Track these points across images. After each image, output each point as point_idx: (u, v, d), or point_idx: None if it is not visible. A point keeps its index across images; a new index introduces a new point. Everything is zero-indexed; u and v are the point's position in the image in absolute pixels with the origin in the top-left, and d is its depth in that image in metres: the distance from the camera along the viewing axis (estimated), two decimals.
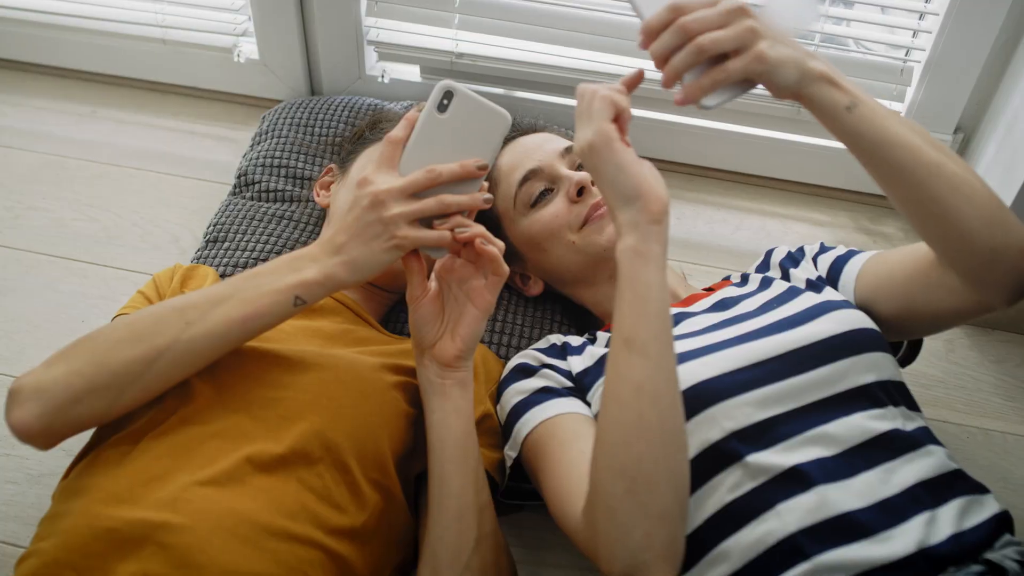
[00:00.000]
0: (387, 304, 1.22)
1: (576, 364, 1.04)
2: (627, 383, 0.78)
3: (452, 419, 0.92)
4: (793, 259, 1.12)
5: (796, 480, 0.83)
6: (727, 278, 1.21)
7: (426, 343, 0.93)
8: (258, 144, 1.50)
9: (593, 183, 1.13)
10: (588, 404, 1.00)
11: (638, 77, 0.87)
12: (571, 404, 0.98)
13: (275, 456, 0.86)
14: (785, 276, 1.10)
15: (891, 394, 0.91)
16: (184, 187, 1.56)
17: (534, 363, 1.06)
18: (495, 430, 1.06)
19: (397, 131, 0.88)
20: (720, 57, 0.79)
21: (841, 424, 0.86)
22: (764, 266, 1.17)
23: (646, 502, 0.76)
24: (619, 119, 0.82)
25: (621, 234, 0.79)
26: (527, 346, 1.22)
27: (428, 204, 0.85)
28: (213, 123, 1.69)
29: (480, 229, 0.88)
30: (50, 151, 1.62)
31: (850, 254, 1.07)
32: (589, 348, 1.05)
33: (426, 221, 0.87)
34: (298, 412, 0.90)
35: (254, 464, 0.85)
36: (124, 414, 0.87)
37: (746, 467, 0.84)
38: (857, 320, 0.94)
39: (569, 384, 1.02)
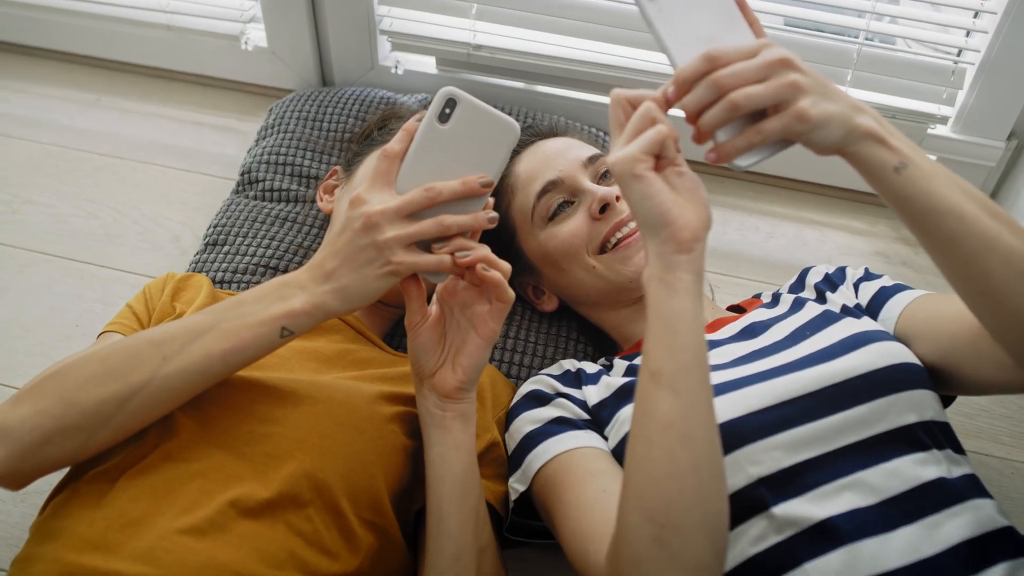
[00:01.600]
0: (391, 319, 1.15)
1: (592, 395, 0.97)
2: (655, 420, 0.71)
3: (452, 455, 0.86)
4: (831, 282, 1.05)
5: (827, 535, 0.76)
6: (757, 296, 1.13)
7: (425, 372, 0.87)
8: (263, 139, 1.43)
9: (619, 198, 1.05)
10: (605, 439, 0.93)
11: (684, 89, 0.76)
12: (588, 437, 0.92)
13: (261, 501, 0.80)
14: (820, 299, 1.03)
15: (935, 436, 0.84)
16: (188, 182, 1.50)
17: (548, 391, 0.99)
18: (501, 460, 1.00)
19: (394, 144, 0.81)
20: (760, 111, 0.71)
21: (880, 471, 0.80)
22: (798, 285, 1.09)
23: (677, 552, 0.69)
24: (660, 158, 0.73)
25: (649, 261, 0.72)
26: (540, 366, 1.15)
27: (426, 226, 0.79)
28: (220, 113, 1.62)
29: (483, 253, 0.81)
30: (52, 141, 1.56)
31: (897, 288, 0.99)
32: (605, 378, 0.98)
33: (425, 243, 0.80)
34: (287, 450, 0.84)
35: (239, 509, 0.79)
36: (100, 452, 0.82)
37: (772, 518, 0.78)
38: (898, 353, 0.87)
39: (585, 416, 0.95)
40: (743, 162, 0.72)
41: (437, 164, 0.81)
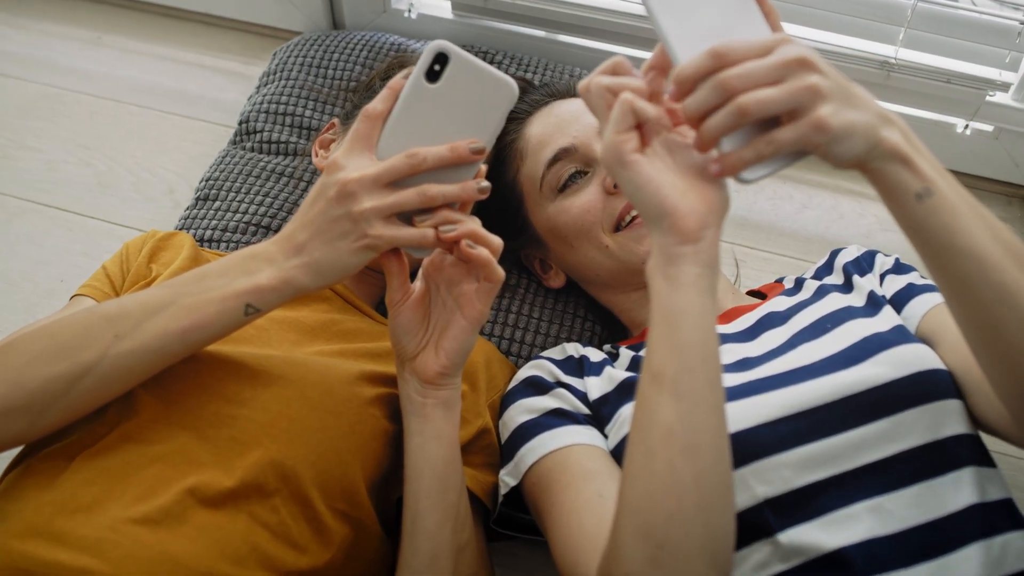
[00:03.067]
0: (384, 287, 1.07)
1: (594, 387, 0.89)
2: (655, 426, 0.63)
3: (431, 446, 0.80)
4: (860, 265, 0.96)
5: (837, 567, 0.69)
6: (780, 280, 1.04)
7: (407, 354, 0.80)
8: (264, 86, 1.34)
9: None
10: (605, 437, 0.85)
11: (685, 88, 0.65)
12: (588, 434, 0.85)
13: (223, 490, 0.74)
14: (847, 283, 0.94)
15: (966, 453, 0.76)
16: (187, 129, 1.42)
17: (548, 378, 0.91)
18: (492, 448, 0.93)
19: (376, 103, 0.73)
20: (772, 118, 0.61)
21: (902, 496, 0.72)
22: (825, 269, 1.00)
23: (674, 575, 0.62)
24: (643, 126, 0.64)
25: (652, 253, 0.64)
26: (543, 345, 1.07)
27: (407, 196, 0.72)
28: (225, 55, 1.54)
29: (469, 227, 0.73)
30: (49, 82, 1.49)
31: (927, 287, 0.89)
32: (608, 369, 0.90)
33: (408, 215, 0.73)
34: (253, 435, 0.78)
35: (198, 497, 0.73)
36: (51, 433, 0.76)
37: (777, 546, 0.71)
38: (925, 359, 0.79)
39: (585, 410, 0.88)
40: (750, 175, 0.62)
41: (424, 127, 0.73)
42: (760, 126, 0.61)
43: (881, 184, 0.63)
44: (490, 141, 0.74)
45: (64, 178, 1.35)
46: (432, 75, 0.72)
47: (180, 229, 1.17)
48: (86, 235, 1.27)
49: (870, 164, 0.62)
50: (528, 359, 1.05)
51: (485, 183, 0.74)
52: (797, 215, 1.32)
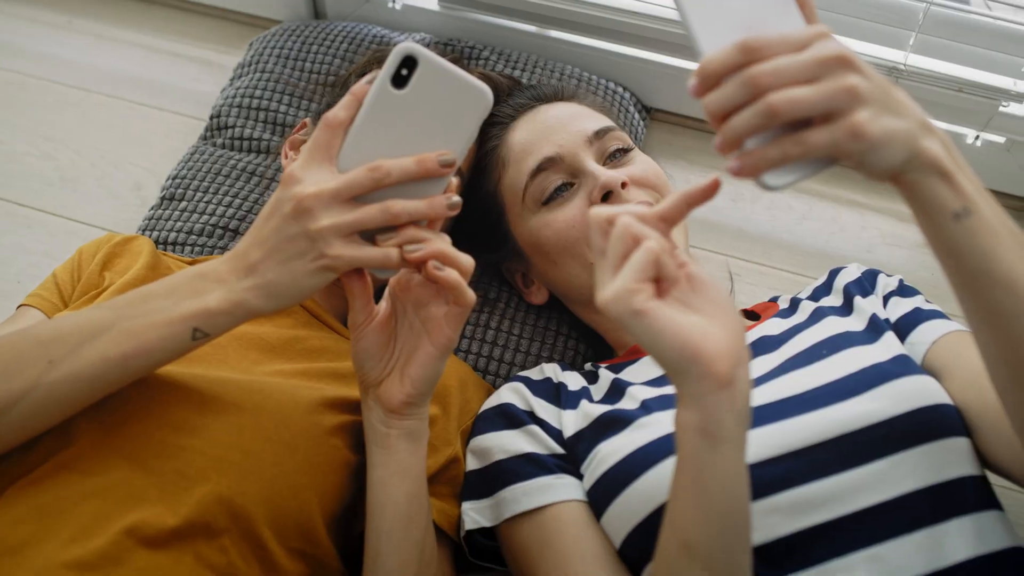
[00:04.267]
0: None
1: (569, 423, 0.83)
2: None
3: (395, 481, 0.75)
4: (862, 286, 0.90)
5: None
6: (774, 300, 0.97)
7: (370, 380, 0.74)
8: (238, 78, 1.27)
9: (625, 185, 0.88)
10: (581, 477, 0.80)
11: (698, 197, 0.59)
12: (565, 488, 0.80)
13: (166, 529, 0.68)
14: (847, 305, 0.88)
15: (972, 497, 0.70)
16: (157, 121, 1.35)
17: (522, 407, 0.86)
18: (458, 481, 0.87)
19: (338, 111, 0.67)
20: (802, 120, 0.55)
21: (903, 544, 0.67)
22: (824, 289, 0.94)
23: None
24: (660, 281, 0.58)
25: (681, 403, 0.57)
26: (523, 364, 1.01)
27: (369, 213, 0.66)
28: (200, 44, 1.46)
29: (436, 247, 0.68)
30: (14, 68, 1.41)
31: (933, 315, 0.84)
32: (584, 403, 0.84)
33: (371, 233, 0.67)
34: (201, 469, 0.72)
35: (138, 538, 0.67)
36: None
37: None
38: (929, 393, 0.73)
39: (559, 450, 0.82)
40: (774, 181, 0.56)
41: (390, 137, 0.67)
42: (787, 129, 0.55)
43: (916, 199, 0.58)
44: (462, 152, 0.68)
45: (24, 171, 1.28)
46: (399, 80, 0.66)
47: (144, 231, 1.11)
48: (47, 233, 1.20)
49: (906, 176, 0.57)
50: (506, 379, 0.99)
51: (455, 199, 0.68)
52: (796, 227, 1.26)
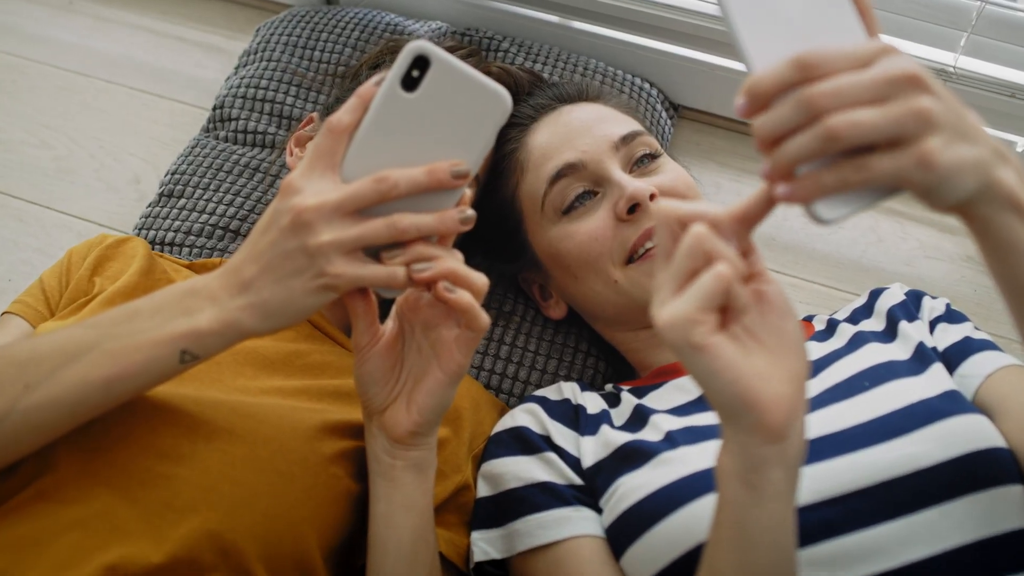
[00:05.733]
0: None
1: (588, 452, 0.78)
2: None
3: (399, 516, 0.70)
4: (907, 310, 0.84)
5: None
6: (809, 319, 0.91)
7: (374, 407, 0.69)
8: (243, 67, 1.21)
9: (654, 196, 0.82)
10: (600, 510, 0.75)
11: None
12: (582, 520, 0.75)
13: (149, 566, 0.63)
14: (891, 330, 0.82)
15: None
16: (159, 110, 1.29)
17: (537, 431, 0.80)
18: (468, 509, 0.82)
19: (342, 114, 0.61)
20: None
21: None
22: (864, 311, 0.87)
23: None
24: (728, 309, 0.52)
25: (725, 449, 0.53)
26: (539, 383, 0.95)
27: (374, 228, 0.60)
28: (207, 28, 1.40)
29: (447, 266, 0.62)
30: (14, 51, 1.35)
31: (984, 345, 0.77)
32: (605, 429, 0.78)
33: (376, 249, 0.62)
34: (189, 500, 0.66)
35: (120, 575, 0.62)
36: None
37: None
38: (983, 435, 0.67)
39: (577, 480, 0.76)
40: (828, 213, 0.50)
41: (398, 144, 0.61)
42: (846, 155, 0.49)
43: (986, 235, 0.52)
44: (476, 162, 0.61)
45: (19, 161, 1.22)
46: (409, 82, 0.59)
47: (140, 230, 1.05)
48: (40, 228, 1.15)
49: (976, 210, 0.51)
50: (521, 398, 0.93)
51: (469, 213, 0.62)
52: (830, 236, 1.18)
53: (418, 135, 0.60)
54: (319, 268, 0.60)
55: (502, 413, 0.89)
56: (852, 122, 0.47)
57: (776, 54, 0.49)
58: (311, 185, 0.60)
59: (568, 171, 0.85)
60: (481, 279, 0.63)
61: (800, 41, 0.50)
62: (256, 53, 1.21)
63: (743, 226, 0.52)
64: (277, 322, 0.62)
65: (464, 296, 0.62)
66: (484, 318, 0.64)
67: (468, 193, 0.62)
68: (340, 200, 0.59)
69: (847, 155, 0.48)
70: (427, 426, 0.68)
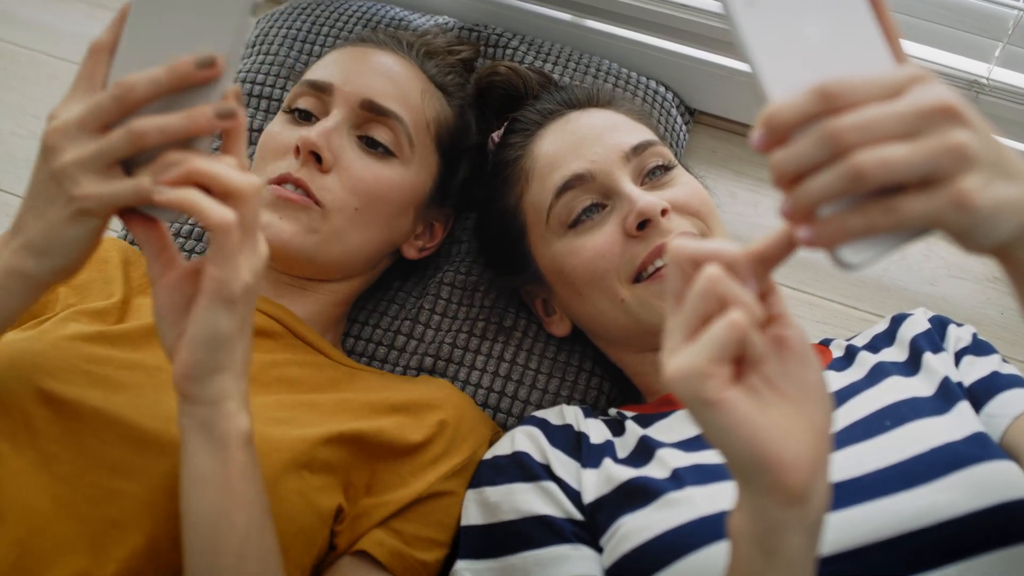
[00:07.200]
0: (343, 302, 0.89)
1: (589, 486, 0.73)
2: None
3: (190, 492, 0.59)
4: (932, 340, 0.79)
5: None
6: (825, 344, 0.86)
7: (166, 348, 0.59)
8: (241, 59, 1.15)
9: (666, 212, 0.77)
10: (599, 548, 0.70)
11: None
12: (583, 561, 0.70)
13: None
14: (913, 361, 0.77)
15: None
16: None
17: (537, 459, 0.76)
18: (433, 520, 0.76)
19: (102, 34, 0.58)
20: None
21: None
22: (885, 338, 0.82)
23: None
24: (743, 360, 0.47)
25: (739, 506, 0.49)
26: (539, 403, 0.90)
27: (113, 139, 0.55)
28: None
29: (192, 166, 0.54)
30: (4, 37, 1.31)
31: (1014, 381, 0.73)
32: (608, 463, 0.73)
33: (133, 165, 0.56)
34: (136, 517, 0.64)
35: None
36: None
37: None
38: (1013, 484, 0.63)
39: (577, 516, 0.72)
40: (854, 257, 0.45)
41: (155, 49, 0.56)
42: (872, 196, 0.44)
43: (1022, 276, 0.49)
44: (231, 51, 0.55)
45: (7, 153, 1.18)
46: None
47: (126, 233, 1.00)
48: None
49: (1016, 252, 0.47)
50: (519, 418, 0.88)
51: (227, 106, 0.55)
52: None
53: (170, 35, 0.56)
54: (68, 192, 0.55)
55: (493, 433, 0.84)
56: (881, 160, 0.42)
57: (795, 80, 0.45)
58: (66, 110, 0.56)
59: (576, 182, 0.81)
60: (244, 180, 0.55)
61: (821, 65, 0.46)
62: (254, 46, 1.15)
63: (762, 266, 0.47)
64: (53, 261, 0.58)
65: (178, 194, 0.53)
66: (216, 214, 0.54)
67: (233, 89, 0.56)
68: (81, 116, 0.55)
69: (874, 194, 0.44)
70: (200, 368, 0.57)
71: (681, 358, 0.45)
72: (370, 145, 0.83)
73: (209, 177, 0.54)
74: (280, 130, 0.85)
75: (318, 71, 0.87)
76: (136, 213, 0.57)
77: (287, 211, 0.79)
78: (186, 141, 0.55)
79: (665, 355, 0.46)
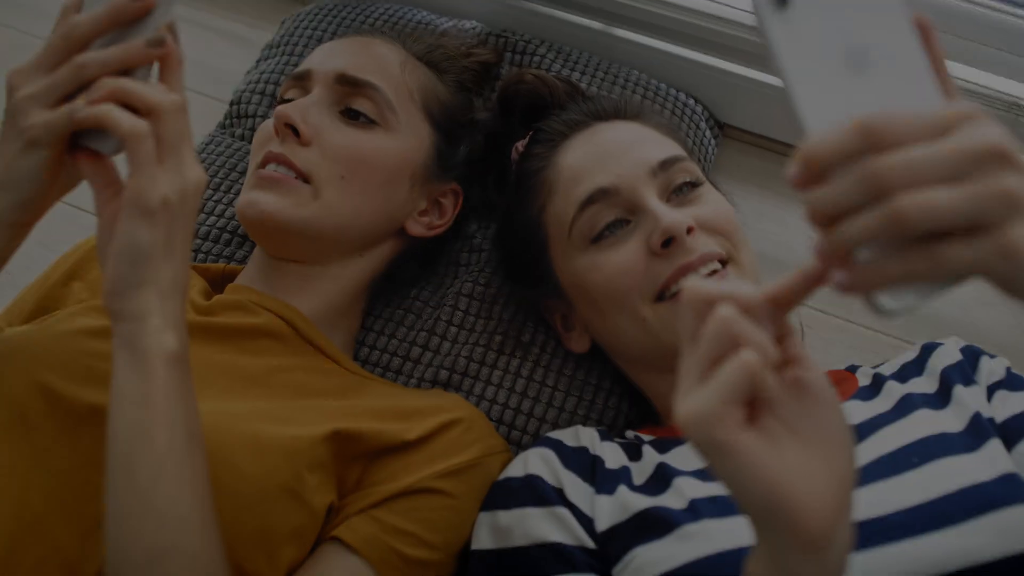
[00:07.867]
0: (349, 290, 0.87)
1: (603, 514, 0.70)
2: None
3: (114, 408, 0.58)
4: (963, 372, 0.76)
5: None
6: (852, 370, 0.83)
7: (103, 274, 0.61)
8: (264, 60, 1.15)
9: (691, 230, 0.75)
10: None
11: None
12: None
13: None
14: (943, 394, 0.74)
15: None
16: None
17: (551, 482, 0.73)
18: (421, 518, 0.73)
19: None
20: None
21: None
22: (915, 368, 0.79)
23: None
24: (757, 401, 0.45)
25: (755, 552, 0.48)
26: (556, 421, 0.88)
27: (62, 73, 0.59)
28: (233, 16, 1.34)
29: (114, 85, 0.57)
30: (15, 24, 1.31)
31: None
32: (623, 490, 0.71)
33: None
34: None
35: None
36: None
37: None
38: None
39: (590, 544, 0.69)
40: (893, 304, 0.43)
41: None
42: (914, 241, 0.42)
43: None
44: None
45: None
46: None
47: None
48: (43, 219, 1.09)
49: None
50: (535, 436, 0.86)
51: (157, 36, 0.59)
52: None
53: None
54: (20, 125, 0.58)
55: (503, 450, 0.81)
56: (925, 205, 0.40)
57: (834, 108, 0.42)
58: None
59: (600, 196, 0.78)
60: (162, 96, 0.58)
61: (863, 93, 0.43)
62: (278, 47, 1.14)
63: (779, 308, 0.46)
64: (10, 195, 0.60)
65: (94, 108, 0.57)
66: (126, 124, 0.56)
67: (168, 24, 0.60)
68: (37, 58, 0.59)
69: (916, 239, 0.41)
70: (121, 282, 0.58)
71: (692, 400, 0.43)
72: (352, 116, 0.83)
73: (128, 94, 0.57)
74: (268, 121, 0.86)
75: (302, 64, 0.89)
76: (83, 149, 0.61)
77: (274, 189, 0.79)
78: (125, 74, 0.58)
79: (677, 398, 0.45)
